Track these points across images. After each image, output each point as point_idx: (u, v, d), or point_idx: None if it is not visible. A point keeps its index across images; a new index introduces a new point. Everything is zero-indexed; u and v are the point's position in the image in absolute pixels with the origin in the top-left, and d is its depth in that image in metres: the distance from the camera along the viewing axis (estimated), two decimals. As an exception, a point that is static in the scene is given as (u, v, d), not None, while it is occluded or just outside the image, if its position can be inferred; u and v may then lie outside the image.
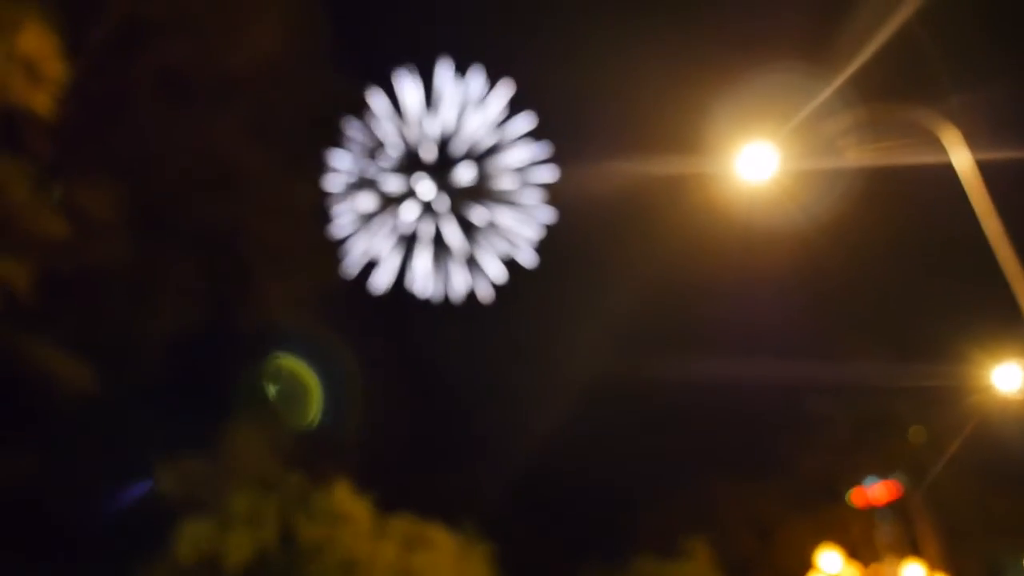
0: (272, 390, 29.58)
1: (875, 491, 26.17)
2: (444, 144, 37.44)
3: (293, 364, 30.53)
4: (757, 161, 17.74)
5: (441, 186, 37.92)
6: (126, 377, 27.97)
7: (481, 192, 38.32)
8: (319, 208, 30.95)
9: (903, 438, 27.83)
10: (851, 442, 29.63)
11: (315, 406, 30.95)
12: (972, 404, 20.25)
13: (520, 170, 38.09)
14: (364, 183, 31.76)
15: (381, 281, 36.79)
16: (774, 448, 30.45)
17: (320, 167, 29.96)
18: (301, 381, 31.12)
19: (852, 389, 28.91)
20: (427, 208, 37.80)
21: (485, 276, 38.17)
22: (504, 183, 38.18)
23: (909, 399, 27.14)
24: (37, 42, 14.01)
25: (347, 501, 21.71)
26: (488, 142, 37.75)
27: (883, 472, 26.13)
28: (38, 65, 14.25)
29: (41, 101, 14.85)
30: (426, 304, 38.26)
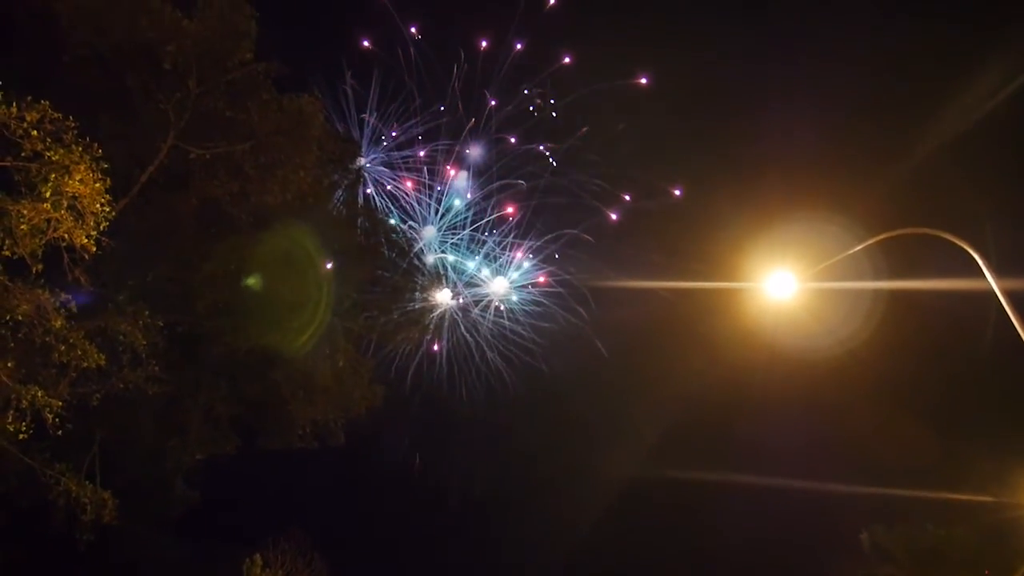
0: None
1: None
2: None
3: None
4: (783, 282, 18.01)
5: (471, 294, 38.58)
6: (151, 506, 27.91)
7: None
8: (350, 331, 31.30)
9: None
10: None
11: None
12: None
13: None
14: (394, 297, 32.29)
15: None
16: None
17: (351, 292, 30.45)
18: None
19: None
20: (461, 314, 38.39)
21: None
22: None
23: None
24: (84, 183, 14.84)
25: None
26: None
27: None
28: (83, 204, 15.04)
29: (84, 237, 15.53)
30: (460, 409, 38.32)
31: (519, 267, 39.97)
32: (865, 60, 38.81)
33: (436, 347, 39.02)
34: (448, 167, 39.12)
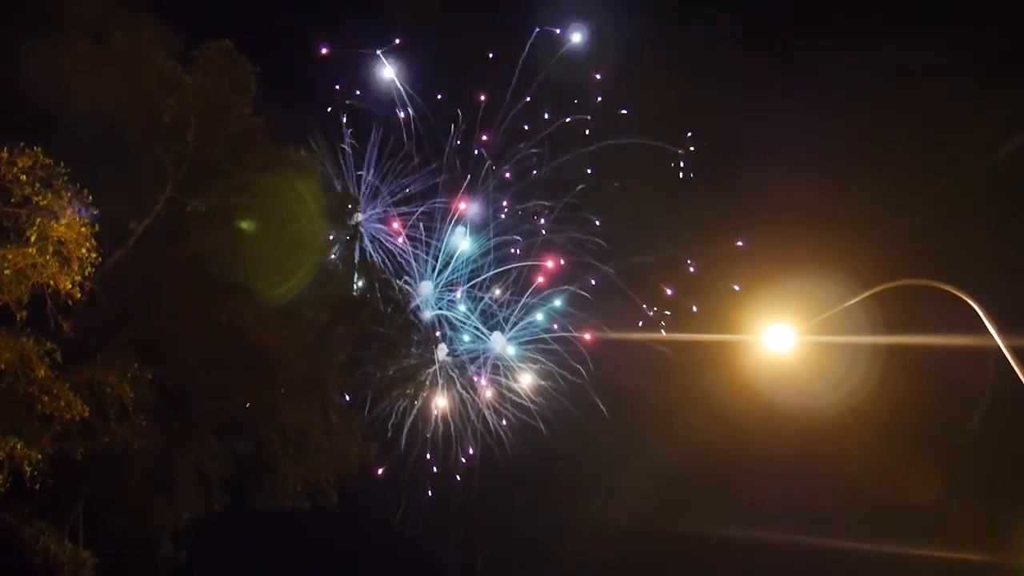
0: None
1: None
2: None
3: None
4: (781, 335, 17.77)
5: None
6: (136, 566, 27.09)
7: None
8: (344, 387, 30.88)
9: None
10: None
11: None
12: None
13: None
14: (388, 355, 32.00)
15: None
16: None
17: (346, 347, 30.13)
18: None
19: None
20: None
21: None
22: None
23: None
24: (70, 227, 14.75)
25: None
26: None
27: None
28: (69, 249, 14.91)
29: (69, 283, 15.35)
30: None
31: (517, 324, 39.76)
32: (865, 110, 39.25)
33: (432, 404, 38.51)
34: (445, 223, 39.37)
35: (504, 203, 41.05)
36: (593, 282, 40.45)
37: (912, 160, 36.42)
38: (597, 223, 40.48)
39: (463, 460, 38.99)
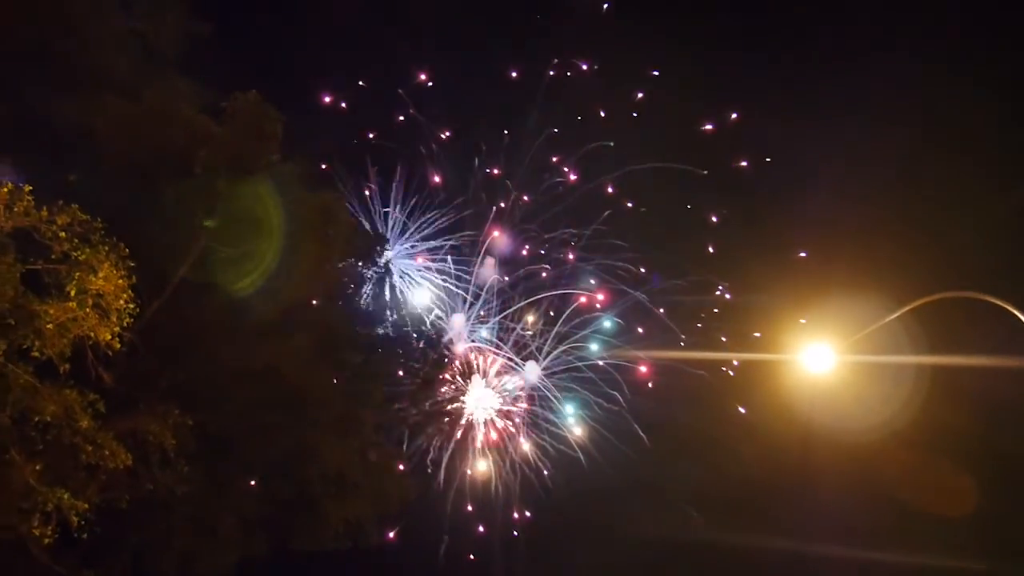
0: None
1: None
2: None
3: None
4: (820, 354, 17.50)
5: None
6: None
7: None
8: (380, 426, 31.00)
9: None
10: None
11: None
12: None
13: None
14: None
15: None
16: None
17: (380, 385, 30.31)
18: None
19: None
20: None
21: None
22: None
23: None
24: (108, 279, 15.14)
25: None
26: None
27: None
28: (107, 301, 15.29)
29: (108, 334, 15.72)
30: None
31: (549, 353, 39.66)
32: (904, 122, 38.51)
33: (470, 438, 38.45)
34: (474, 255, 39.60)
35: (532, 232, 41.24)
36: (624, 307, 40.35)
37: (956, 174, 35.64)
38: (627, 250, 40.46)
39: (500, 493, 38.73)
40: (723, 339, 40.03)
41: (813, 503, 33.50)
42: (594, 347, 40.13)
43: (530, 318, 40.13)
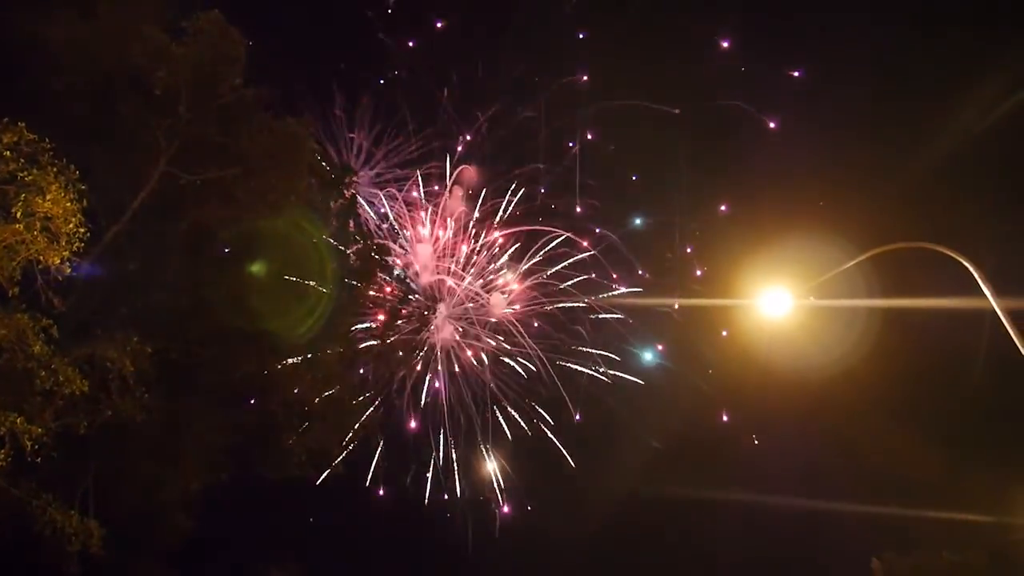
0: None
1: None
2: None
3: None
4: (777, 299, 17.66)
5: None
6: (146, 537, 27.44)
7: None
8: (344, 357, 30.98)
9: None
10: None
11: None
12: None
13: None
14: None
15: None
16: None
17: (346, 317, 30.17)
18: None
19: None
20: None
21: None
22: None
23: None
24: (56, 202, 14.72)
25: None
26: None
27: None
28: (56, 224, 14.90)
29: (58, 258, 15.37)
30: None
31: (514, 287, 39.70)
32: (861, 71, 38.69)
33: (432, 377, 38.64)
34: (441, 189, 39.16)
35: (500, 166, 40.81)
36: (586, 244, 40.37)
37: (908, 123, 35.92)
38: (593, 187, 40.25)
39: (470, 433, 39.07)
40: (698, 273, 40.37)
41: (771, 450, 34.41)
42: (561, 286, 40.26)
43: (499, 241, 39.96)
